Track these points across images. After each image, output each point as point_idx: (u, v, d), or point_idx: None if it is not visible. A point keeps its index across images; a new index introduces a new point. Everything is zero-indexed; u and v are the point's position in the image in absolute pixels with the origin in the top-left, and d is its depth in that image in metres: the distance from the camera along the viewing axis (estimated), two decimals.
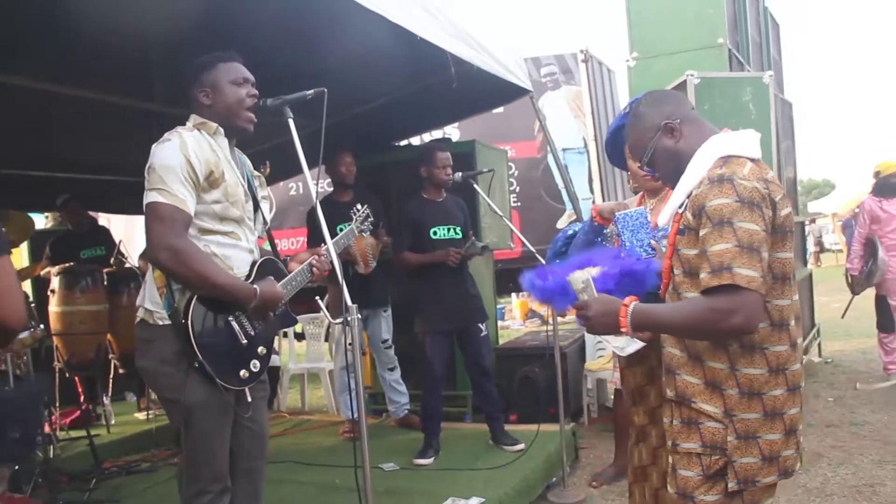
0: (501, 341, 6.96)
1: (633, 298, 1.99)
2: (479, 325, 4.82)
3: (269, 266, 2.78)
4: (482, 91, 5.09)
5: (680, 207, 2.01)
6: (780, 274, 1.91)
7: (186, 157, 2.45)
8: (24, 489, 4.05)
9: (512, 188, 8.33)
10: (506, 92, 5.31)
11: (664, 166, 2.11)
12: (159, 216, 2.42)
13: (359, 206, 3.77)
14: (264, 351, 2.70)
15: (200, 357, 2.46)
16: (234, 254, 2.62)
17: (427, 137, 7.25)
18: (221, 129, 2.63)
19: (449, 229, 4.81)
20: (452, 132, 8.11)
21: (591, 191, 8.42)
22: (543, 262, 4.04)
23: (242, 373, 2.60)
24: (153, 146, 2.51)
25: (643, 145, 2.12)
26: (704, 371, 1.94)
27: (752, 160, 1.93)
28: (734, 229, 1.80)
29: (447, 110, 6.13)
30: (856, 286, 7.04)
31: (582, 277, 2.04)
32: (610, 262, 2.37)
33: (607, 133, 3.14)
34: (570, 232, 3.30)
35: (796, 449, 1.97)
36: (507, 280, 8.27)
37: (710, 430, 1.92)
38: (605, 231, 3.05)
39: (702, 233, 1.86)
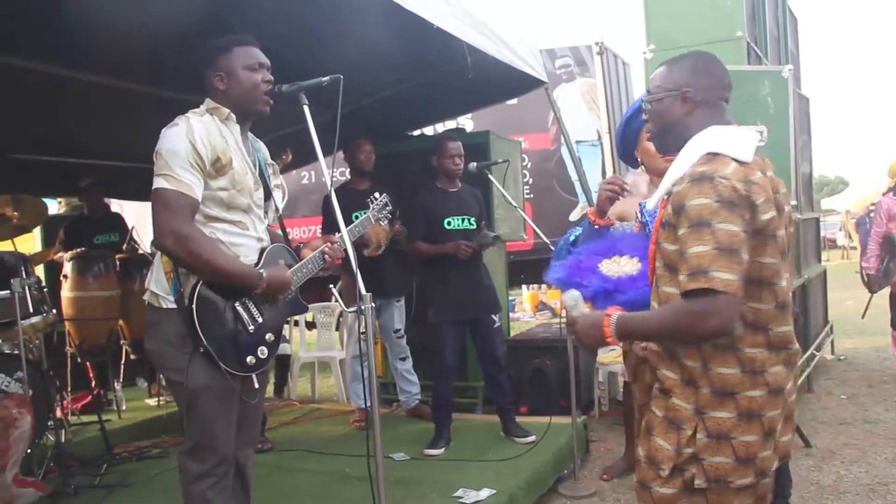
0: (512, 333, 6.95)
1: (616, 308, 1.99)
2: (493, 316, 4.80)
3: (279, 253, 2.77)
4: (497, 82, 5.05)
5: (666, 195, 1.97)
6: (755, 277, 1.86)
7: (192, 142, 2.44)
8: (36, 472, 4.07)
9: (525, 180, 8.29)
10: (521, 83, 5.27)
11: (658, 125, 2.11)
12: (165, 202, 2.43)
13: (377, 195, 3.72)
14: (272, 338, 2.70)
15: (205, 342, 2.46)
16: (241, 242, 2.61)
17: (440, 128, 7.22)
18: (233, 116, 2.61)
19: (463, 219, 4.79)
20: (466, 123, 8.07)
21: None
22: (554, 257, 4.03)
23: (249, 359, 2.60)
24: (162, 131, 2.51)
25: (657, 91, 2.09)
26: (682, 368, 1.94)
27: (739, 161, 1.87)
28: (713, 231, 1.77)
29: (461, 100, 6.10)
30: (873, 285, 6.96)
31: (573, 295, 2.09)
32: (640, 250, 2.32)
33: (619, 125, 3.01)
34: (572, 238, 3.04)
35: (774, 449, 1.94)
36: (519, 272, 8.25)
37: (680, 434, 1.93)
38: (610, 230, 2.88)
39: (680, 232, 1.83)
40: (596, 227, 2.80)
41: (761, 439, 1.88)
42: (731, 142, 1.91)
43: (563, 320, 4.32)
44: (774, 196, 1.90)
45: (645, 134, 2.15)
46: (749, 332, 1.88)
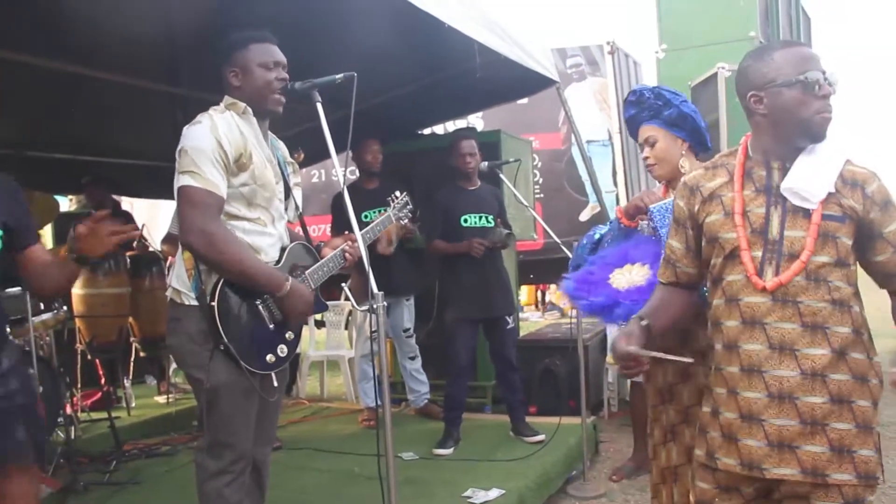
0: (521, 333, 6.92)
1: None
2: (507, 317, 4.80)
3: (300, 251, 2.76)
4: (509, 81, 5.04)
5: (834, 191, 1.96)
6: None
7: (217, 139, 2.43)
8: (46, 468, 4.07)
9: (535, 179, 8.27)
10: (532, 82, 5.25)
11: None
12: (192, 200, 2.40)
13: (397, 193, 3.65)
14: (292, 336, 2.68)
15: (226, 340, 2.44)
16: (261, 241, 2.59)
17: (451, 127, 7.20)
18: (250, 110, 2.60)
19: (480, 217, 4.78)
20: (476, 122, 8.06)
21: (615, 184, 8.34)
22: (570, 254, 4.02)
23: (269, 357, 2.58)
24: (185, 128, 2.49)
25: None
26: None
27: None
28: None
29: (473, 99, 6.08)
30: None
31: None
32: (651, 256, 2.31)
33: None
34: (597, 236, 3.03)
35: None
36: (529, 272, 8.23)
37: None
38: (636, 231, 2.87)
39: (893, 227, 1.96)
40: (624, 227, 2.83)
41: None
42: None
43: (573, 321, 4.33)
44: None
45: None
46: None
